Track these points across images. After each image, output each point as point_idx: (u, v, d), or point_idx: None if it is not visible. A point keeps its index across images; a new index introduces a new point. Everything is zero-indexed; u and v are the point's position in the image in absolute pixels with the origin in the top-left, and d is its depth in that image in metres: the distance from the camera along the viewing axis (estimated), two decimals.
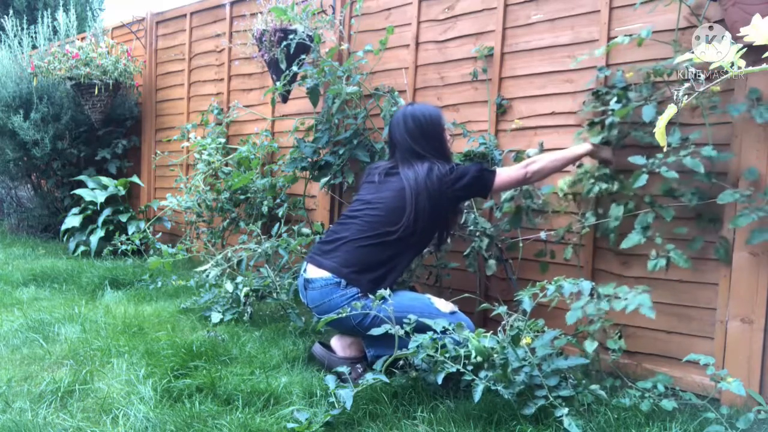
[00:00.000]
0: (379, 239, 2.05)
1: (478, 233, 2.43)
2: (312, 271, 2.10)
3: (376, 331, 1.84)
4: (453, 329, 1.85)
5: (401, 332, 1.79)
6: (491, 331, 1.89)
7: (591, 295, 1.77)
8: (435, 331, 1.83)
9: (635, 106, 2.07)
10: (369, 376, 1.71)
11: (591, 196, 2.16)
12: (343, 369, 1.83)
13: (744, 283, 1.92)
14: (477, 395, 1.63)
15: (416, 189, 2.04)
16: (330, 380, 1.75)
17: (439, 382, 1.69)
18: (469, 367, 1.70)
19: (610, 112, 2.12)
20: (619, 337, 2.05)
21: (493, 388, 1.63)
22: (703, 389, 1.98)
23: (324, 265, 2.07)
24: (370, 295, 1.95)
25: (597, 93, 2.20)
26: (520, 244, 2.41)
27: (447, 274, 2.62)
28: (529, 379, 1.70)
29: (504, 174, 2.12)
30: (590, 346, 1.88)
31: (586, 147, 2.14)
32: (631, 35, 2.04)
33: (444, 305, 2.06)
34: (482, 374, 1.68)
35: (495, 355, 1.74)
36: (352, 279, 2.03)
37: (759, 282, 1.89)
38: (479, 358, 1.71)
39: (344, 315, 1.90)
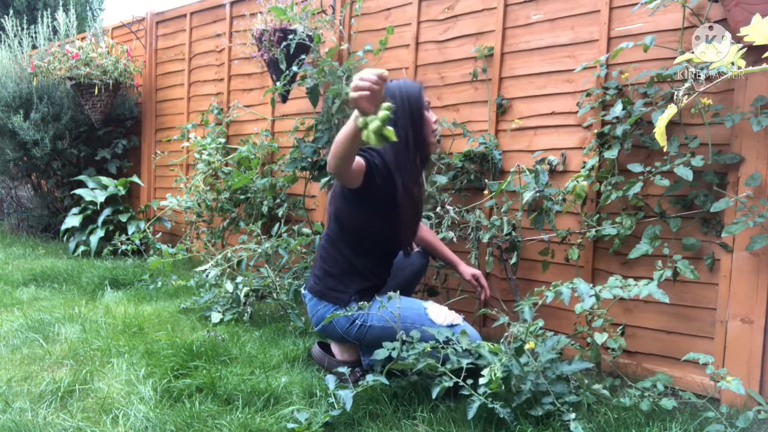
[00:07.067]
0: (328, 235, 2.08)
1: (481, 229, 2.42)
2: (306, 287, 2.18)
3: (379, 354, 1.82)
4: (456, 339, 1.80)
5: (394, 352, 1.78)
6: (495, 342, 1.88)
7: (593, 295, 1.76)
8: (437, 341, 1.79)
9: (643, 112, 2.06)
10: (369, 377, 1.71)
11: (608, 203, 2.14)
12: (343, 369, 1.83)
13: (744, 283, 1.92)
14: (471, 412, 1.60)
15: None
16: (330, 380, 1.75)
17: (434, 396, 1.67)
18: (469, 381, 1.66)
19: (615, 120, 2.12)
20: (621, 334, 2.04)
21: (490, 406, 1.60)
22: (703, 389, 1.98)
23: (308, 283, 2.15)
24: (357, 303, 1.93)
25: (602, 102, 2.21)
26: (519, 244, 2.41)
27: (454, 273, 2.61)
28: (536, 387, 1.69)
29: None
30: (600, 338, 1.88)
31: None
32: (632, 35, 2.03)
33: (441, 316, 1.90)
34: (481, 389, 1.64)
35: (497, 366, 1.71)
36: (319, 294, 2.04)
37: (759, 282, 1.89)
38: (491, 384, 1.65)
39: (325, 323, 1.97)
